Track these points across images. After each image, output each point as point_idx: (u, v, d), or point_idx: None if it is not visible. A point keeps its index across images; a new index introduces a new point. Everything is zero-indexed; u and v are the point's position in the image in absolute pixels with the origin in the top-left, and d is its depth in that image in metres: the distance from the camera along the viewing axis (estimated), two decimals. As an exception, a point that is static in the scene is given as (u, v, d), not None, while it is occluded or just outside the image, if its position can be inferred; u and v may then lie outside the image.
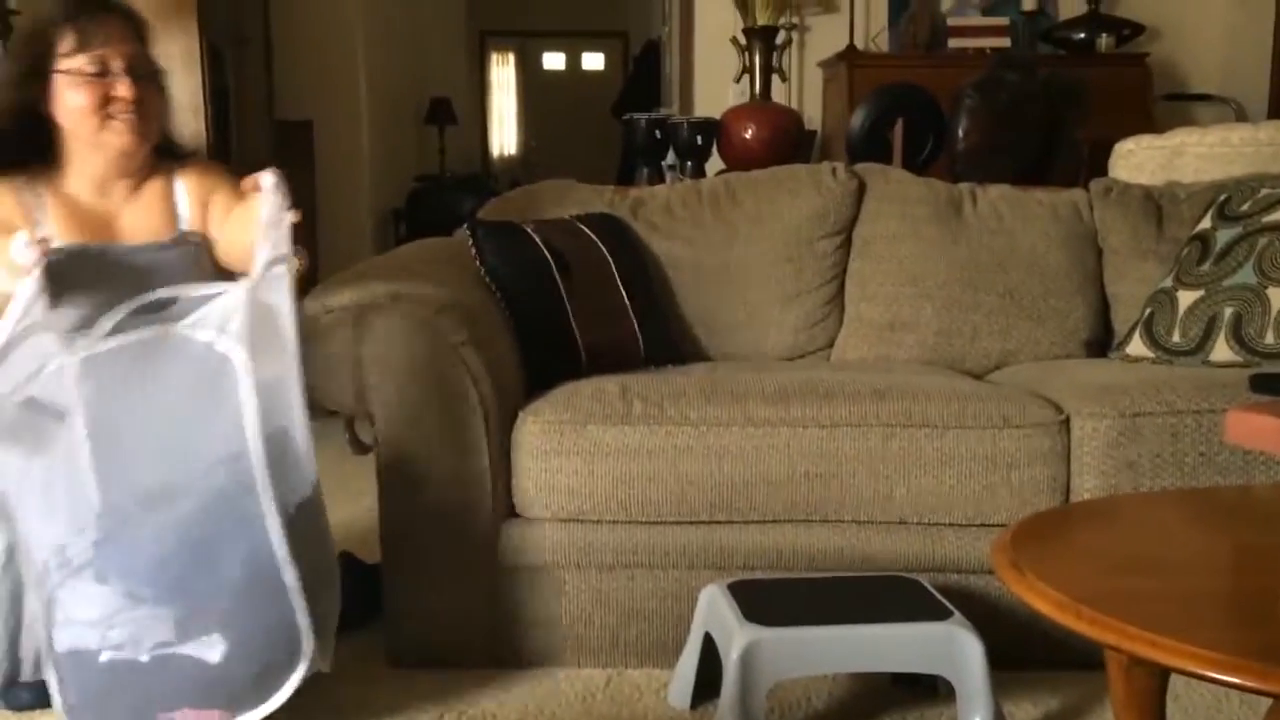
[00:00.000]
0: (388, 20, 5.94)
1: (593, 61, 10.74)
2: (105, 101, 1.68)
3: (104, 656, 1.46)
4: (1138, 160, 2.94)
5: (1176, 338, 2.25)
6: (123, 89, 1.68)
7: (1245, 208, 2.33)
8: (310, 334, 1.92)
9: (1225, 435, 0.83)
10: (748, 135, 3.79)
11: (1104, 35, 4.62)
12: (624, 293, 2.33)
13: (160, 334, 1.49)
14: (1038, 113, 3.23)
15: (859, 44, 4.65)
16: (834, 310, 2.55)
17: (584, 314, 2.23)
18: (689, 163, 3.78)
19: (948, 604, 1.77)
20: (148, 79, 1.72)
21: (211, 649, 1.47)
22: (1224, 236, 2.30)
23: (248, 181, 1.65)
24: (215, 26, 4.16)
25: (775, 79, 4.36)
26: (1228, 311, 2.20)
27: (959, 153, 3.31)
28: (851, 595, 1.82)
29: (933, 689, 1.88)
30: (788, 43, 4.53)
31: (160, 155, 1.80)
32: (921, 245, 2.52)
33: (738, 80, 4.42)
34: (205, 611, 1.48)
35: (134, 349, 1.49)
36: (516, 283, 2.23)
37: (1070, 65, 4.30)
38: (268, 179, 1.57)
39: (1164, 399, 1.97)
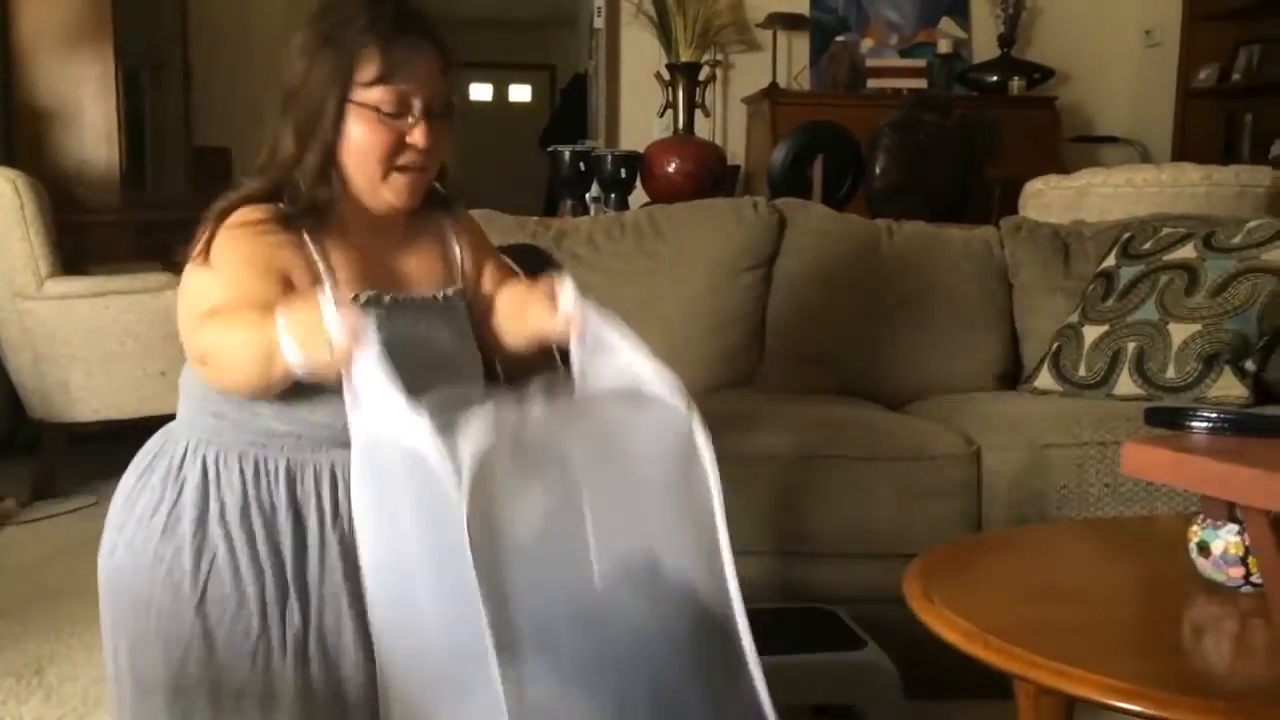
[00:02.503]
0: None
1: (520, 93, 10.75)
2: (396, 149, 1.36)
3: None
4: (1046, 200, 3.03)
5: (1082, 371, 2.32)
6: (418, 135, 1.35)
7: (1147, 246, 2.42)
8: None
9: (1122, 467, 0.86)
10: (671, 169, 3.83)
11: (1015, 78, 4.78)
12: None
13: (632, 390, 1.25)
14: (952, 152, 3.32)
15: (781, 82, 4.74)
16: (755, 342, 2.58)
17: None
18: (613, 195, 3.80)
19: (863, 634, 1.78)
20: (445, 122, 1.40)
21: None
22: (1127, 274, 2.38)
23: (543, 286, 1.43)
24: (131, 50, 4.09)
25: (699, 114, 4.42)
26: (1131, 346, 2.27)
27: (876, 190, 3.38)
28: (768, 626, 1.81)
29: (850, 719, 1.89)
30: (711, 79, 4.59)
31: (430, 195, 1.48)
32: (840, 279, 2.56)
33: (661, 115, 4.47)
34: None
35: (612, 397, 1.26)
36: (436, 313, 2.21)
37: (983, 107, 4.44)
38: (569, 298, 1.37)
39: (1070, 431, 2.02)
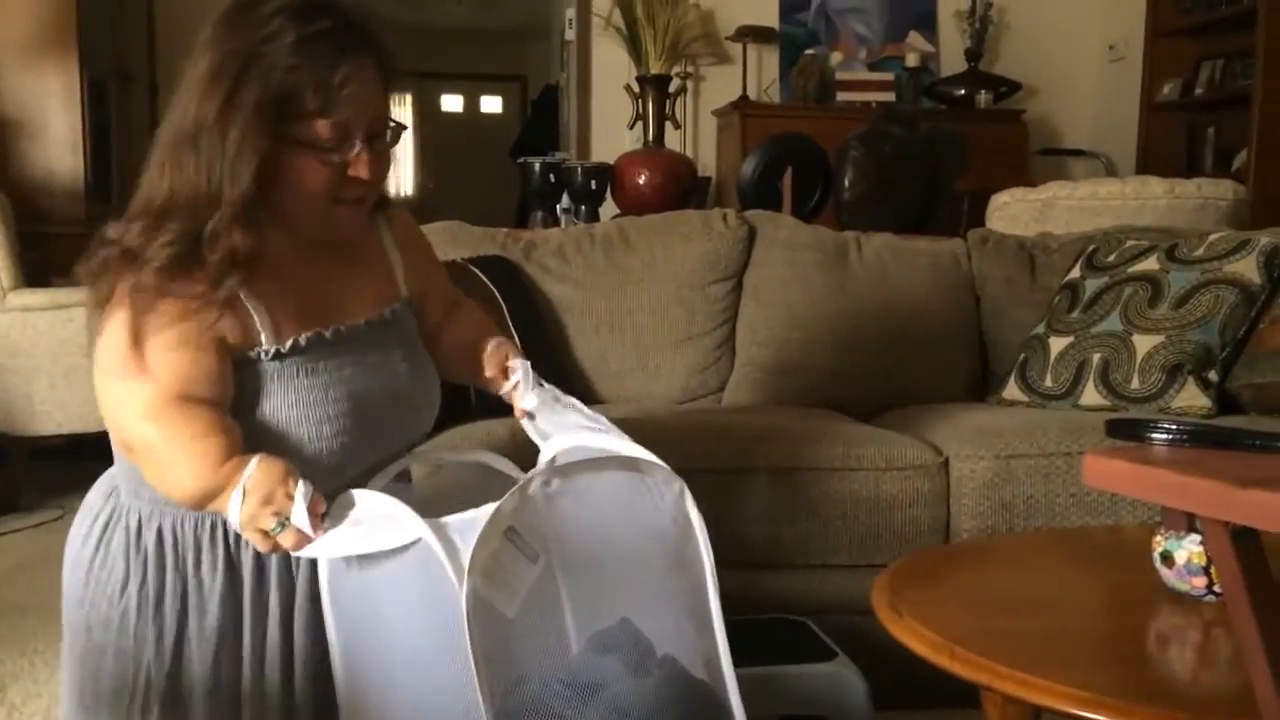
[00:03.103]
0: (281, 58, 5.85)
1: (491, 104, 10.74)
2: (337, 183, 1.22)
3: None
4: (1013, 212, 3.06)
5: (1049, 382, 2.34)
6: (362, 167, 1.21)
7: (1111, 259, 2.45)
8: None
9: (1083, 478, 0.87)
10: (641, 181, 3.84)
11: (983, 92, 4.83)
12: (515, 336, 2.32)
13: (629, 465, 1.22)
14: (919, 165, 3.34)
15: (751, 94, 4.76)
16: (725, 354, 2.59)
17: (474, 357, 2.21)
18: (583, 207, 3.80)
19: (833, 645, 1.79)
20: (384, 140, 1.25)
21: None
22: (1092, 286, 2.41)
23: (494, 358, 1.42)
24: (97, 61, 4.06)
25: (669, 126, 4.43)
26: (1096, 357, 2.29)
27: (845, 202, 3.40)
28: (739, 637, 1.82)
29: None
30: (681, 91, 4.61)
31: None
32: (809, 291, 2.57)
33: (631, 127, 4.48)
34: None
35: (606, 478, 1.21)
36: (405, 325, 2.20)
37: (951, 120, 4.48)
38: (531, 397, 1.37)
39: (1036, 441, 2.04)
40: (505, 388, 1.42)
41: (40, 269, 3.38)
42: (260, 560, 1.27)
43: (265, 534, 1.14)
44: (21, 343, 3.15)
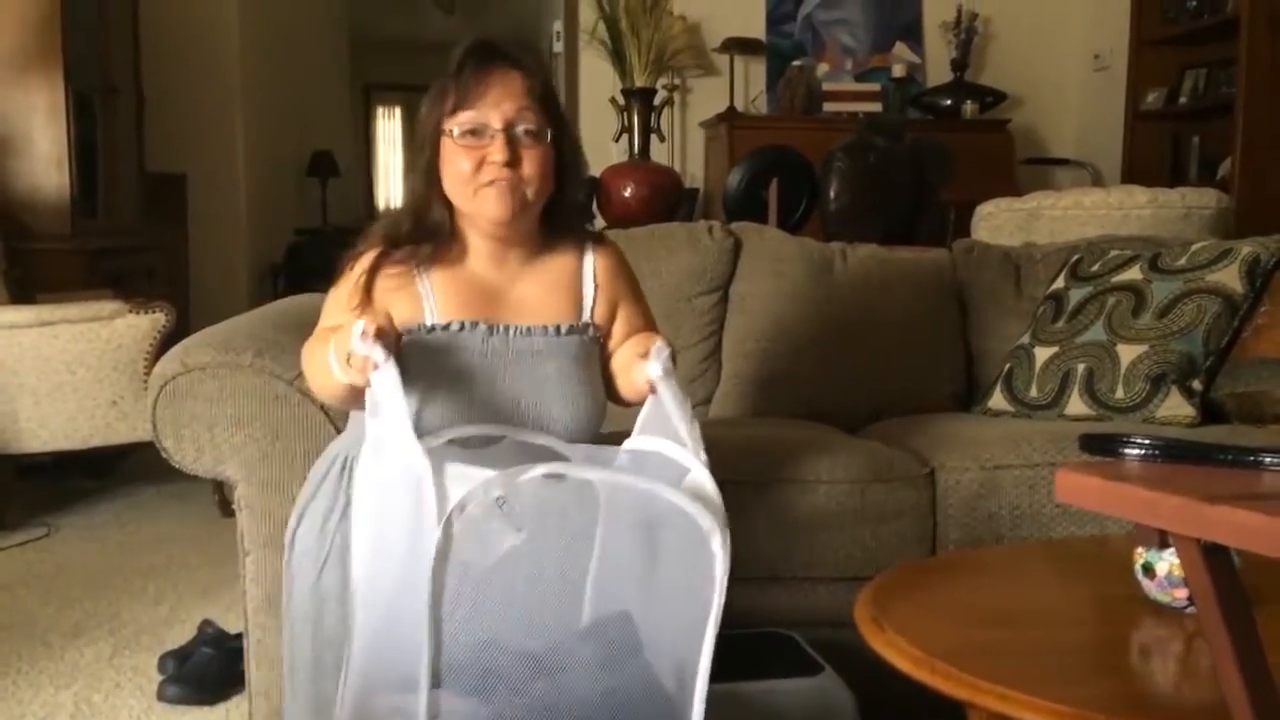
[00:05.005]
0: (268, 72, 5.86)
1: (480, 116, 10.74)
2: (477, 168, 1.46)
3: None
4: (998, 222, 3.07)
5: (1034, 392, 2.34)
6: (495, 152, 1.44)
7: (1095, 268, 2.45)
8: (171, 393, 1.86)
9: (1056, 495, 0.87)
10: (627, 193, 3.84)
11: (969, 102, 4.85)
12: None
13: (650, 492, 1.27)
14: (904, 175, 3.35)
15: (739, 106, 4.78)
16: (711, 366, 2.58)
17: (459, 372, 2.21)
18: (570, 219, 3.80)
19: (819, 659, 1.78)
20: (533, 139, 1.47)
21: None
22: (1076, 296, 2.41)
23: (642, 341, 1.50)
24: (83, 76, 4.05)
25: (655, 138, 4.44)
26: (1080, 367, 2.30)
27: (830, 213, 3.41)
28: (725, 652, 1.81)
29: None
30: (667, 103, 4.62)
31: (563, 226, 1.57)
32: (795, 302, 2.57)
33: (616, 139, 4.49)
34: None
35: (629, 492, 1.29)
36: (390, 340, 2.20)
37: (937, 130, 4.50)
38: (657, 366, 1.42)
39: (1022, 452, 2.04)
40: (639, 377, 1.47)
41: (25, 285, 3.38)
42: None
43: (361, 371, 1.29)
44: (6, 359, 3.14)
